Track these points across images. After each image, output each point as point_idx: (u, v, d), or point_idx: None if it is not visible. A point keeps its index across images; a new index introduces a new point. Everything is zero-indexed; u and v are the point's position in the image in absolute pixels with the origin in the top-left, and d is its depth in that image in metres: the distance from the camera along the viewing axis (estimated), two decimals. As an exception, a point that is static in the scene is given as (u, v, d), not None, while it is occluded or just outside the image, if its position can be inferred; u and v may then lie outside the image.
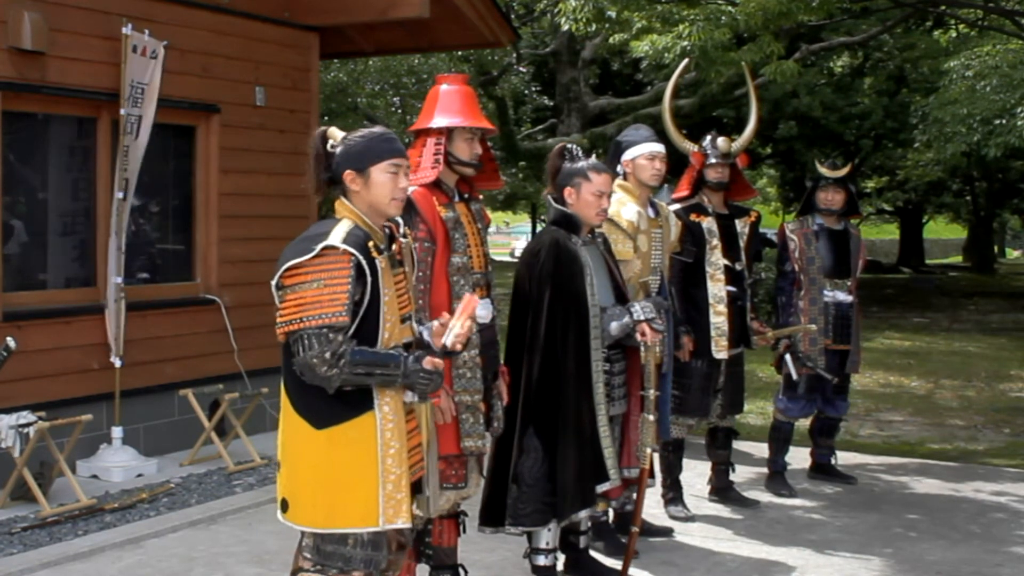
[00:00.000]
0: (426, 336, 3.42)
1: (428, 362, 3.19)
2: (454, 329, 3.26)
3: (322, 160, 3.31)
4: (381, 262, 3.23)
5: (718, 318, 5.89)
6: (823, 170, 6.53)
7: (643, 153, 5.37)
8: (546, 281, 4.55)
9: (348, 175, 3.27)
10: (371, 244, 3.22)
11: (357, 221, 3.25)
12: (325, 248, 3.14)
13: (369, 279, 3.18)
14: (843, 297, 6.55)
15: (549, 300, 4.54)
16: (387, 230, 3.38)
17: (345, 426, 3.21)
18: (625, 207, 5.29)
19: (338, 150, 3.30)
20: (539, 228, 36.23)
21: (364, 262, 3.16)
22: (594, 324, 4.57)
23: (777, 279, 6.67)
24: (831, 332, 6.49)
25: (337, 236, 3.16)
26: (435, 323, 3.40)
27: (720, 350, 5.89)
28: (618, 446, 4.81)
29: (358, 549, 3.26)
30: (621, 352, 4.86)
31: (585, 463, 4.52)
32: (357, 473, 3.21)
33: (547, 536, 4.68)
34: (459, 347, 3.27)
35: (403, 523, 3.26)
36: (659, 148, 5.39)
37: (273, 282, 3.22)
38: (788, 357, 6.37)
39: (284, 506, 3.30)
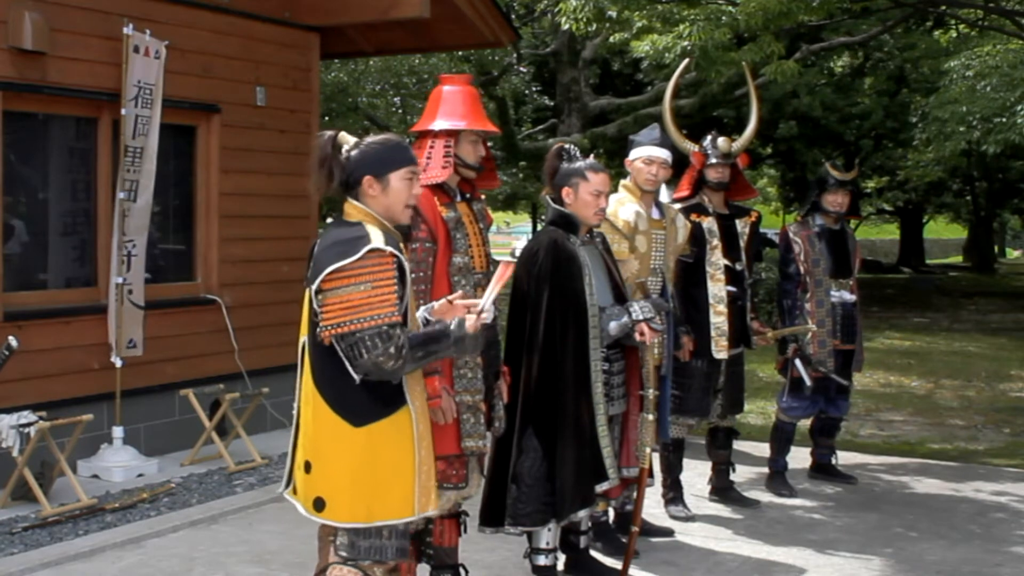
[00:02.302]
0: (424, 314, 3.49)
1: (470, 327, 3.29)
2: (490, 296, 3.38)
3: (332, 164, 3.35)
4: (407, 262, 3.35)
5: (718, 318, 5.89)
6: (834, 173, 6.52)
7: (641, 156, 5.38)
8: (545, 281, 4.55)
9: (367, 180, 3.33)
10: (402, 245, 3.34)
11: (376, 224, 3.31)
12: (371, 251, 3.20)
13: (407, 279, 3.31)
14: (848, 297, 6.58)
15: (548, 300, 4.54)
16: None
17: (384, 423, 3.29)
18: (624, 207, 5.29)
19: (353, 155, 3.35)
20: (539, 228, 36.21)
21: (405, 262, 3.28)
22: (593, 324, 4.58)
23: (781, 282, 6.65)
24: (839, 333, 6.50)
25: (379, 239, 3.24)
26: (434, 304, 3.49)
27: (720, 350, 5.89)
28: (617, 446, 4.81)
29: (393, 540, 3.35)
30: (620, 352, 4.86)
31: (584, 463, 4.53)
32: (396, 467, 3.30)
33: (547, 536, 4.68)
34: (489, 317, 3.37)
35: (433, 511, 3.39)
36: (659, 153, 5.39)
37: (313, 287, 3.27)
38: (799, 362, 6.36)
39: (319, 505, 3.33)
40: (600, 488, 4.63)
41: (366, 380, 3.25)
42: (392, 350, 3.16)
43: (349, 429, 3.28)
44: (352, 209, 3.36)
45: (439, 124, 4.24)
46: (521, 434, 4.53)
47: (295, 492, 3.46)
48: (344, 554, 3.34)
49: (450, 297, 3.45)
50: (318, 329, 3.26)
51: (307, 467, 3.37)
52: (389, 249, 3.22)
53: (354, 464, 3.28)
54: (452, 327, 3.27)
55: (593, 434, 4.56)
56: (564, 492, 4.50)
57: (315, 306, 3.28)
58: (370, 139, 3.39)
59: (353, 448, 3.28)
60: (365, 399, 3.27)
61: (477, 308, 3.36)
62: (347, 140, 3.38)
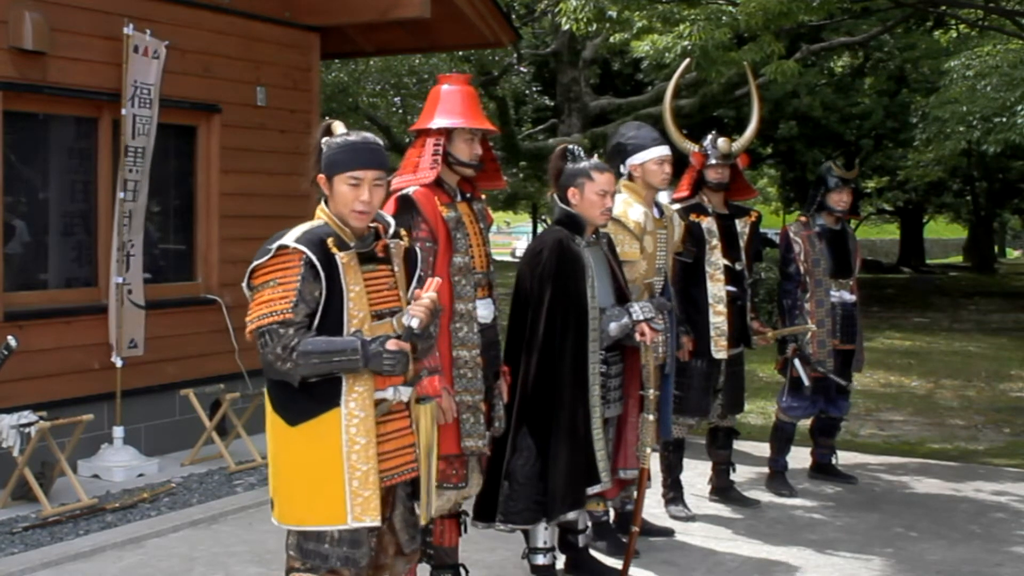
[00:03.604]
0: (405, 321, 3.43)
1: (392, 344, 3.17)
2: (412, 307, 3.27)
3: (316, 155, 3.35)
4: (343, 258, 3.24)
5: (718, 318, 5.90)
6: (839, 172, 6.52)
7: (653, 158, 5.35)
8: (547, 281, 4.55)
9: (320, 179, 3.32)
10: (330, 241, 3.24)
11: (328, 221, 3.29)
12: (279, 248, 3.19)
13: (323, 275, 3.20)
14: (848, 297, 6.58)
15: (549, 300, 4.54)
16: (372, 228, 3.38)
17: (314, 422, 3.23)
18: (632, 208, 5.28)
19: (323, 151, 3.32)
20: (539, 228, 36.21)
21: (315, 259, 3.18)
22: (593, 327, 4.57)
23: (782, 282, 6.64)
24: (838, 333, 6.50)
25: (291, 236, 3.22)
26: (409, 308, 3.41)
27: (720, 350, 5.89)
28: (611, 448, 4.81)
29: (335, 547, 3.27)
30: (618, 354, 4.86)
31: (577, 464, 4.53)
32: (325, 470, 3.22)
33: (544, 535, 4.68)
34: (415, 323, 3.22)
35: (371, 521, 3.24)
36: (668, 151, 5.41)
37: (244, 285, 3.28)
38: (798, 362, 6.36)
39: (272, 505, 3.35)
40: (592, 491, 4.63)
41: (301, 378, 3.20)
42: (279, 349, 3.12)
43: (286, 428, 3.25)
44: (317, 207, 3.35)
45: (435, 122, 4.25)
46: (516, 432, 4.53)
47: None
48: (292, 554, 3.32)
49: (419, 291, 3.34)
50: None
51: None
52: (294, 246, 3.18)
53: (289, 464, 3.25)
54: (369, 343, 3.15)
55: (587, 436, 4.55)
56: (555, 492, 4.50)
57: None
58: (338, 137, 3.32)
59: (288, 448, 3.25)
60: (299, 398, 3.22)
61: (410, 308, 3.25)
62: (336, 131, 3.35)
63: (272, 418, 3.29)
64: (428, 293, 3.29)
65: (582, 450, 4.54)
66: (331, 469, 3.21)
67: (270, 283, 3.18)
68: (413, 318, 3.23)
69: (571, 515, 4.63)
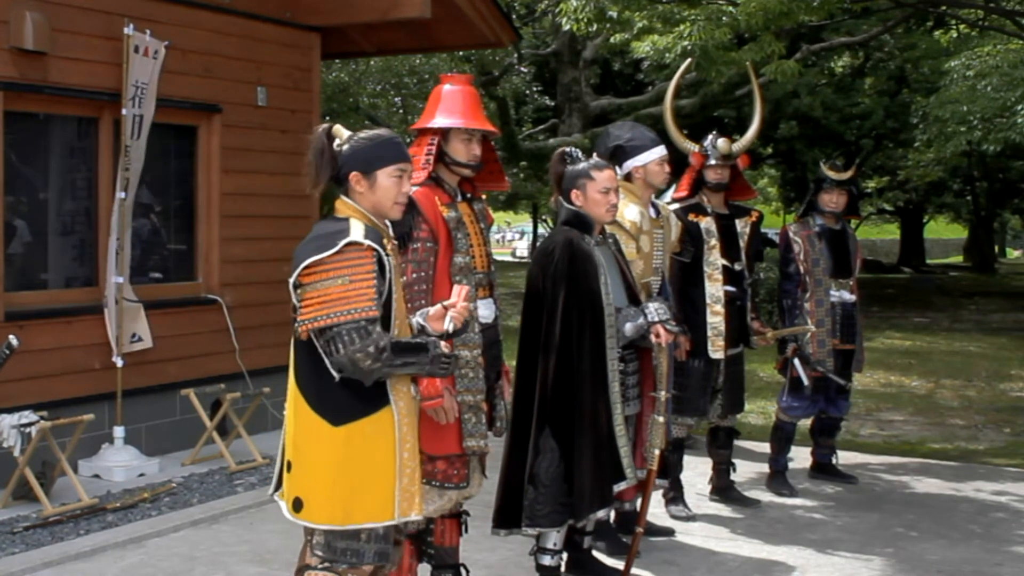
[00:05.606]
0: (420, 320, 3.46)
1: (445, 346, 3.25)
2: (451, 311, 3.34)
3: (327, 157, 3.33)
4: (393, 259, 3.30)
5: (715, 318, 5.90)
6: (829, 173, 6.52)
7: (655, 159, 5.37)
8: (561, 280, 4.55)
9: (354, 176, 3.31)
10: (384, 241, 3.28)
11: (364, 220, 3.29)
12: (348, 244, 3.18)
13: (388, 275, 3.24)
14: (848, 297, 6.58)
15: (564, 300, 4.53)
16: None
17: (363, 422, 3.24)
18: (628, 208, 5.29)
19: (344, 149, 3.33)
20: (539, 228, 36.21)
21: (385, 257, 3.22)
22: (609, 324, 4.57)
23: (781, 282, 6.65)
24: (838, 332, 6.51)
25: (358, 232, 3.21)
26: (431, 309, 3.45)
27: (716, 350, 5.90)
28: (632, 446, 4.81)
29: (371, 543, 3.29)
30: (635, 352, 4.86)
31: (602, 463, 4.51)
32: (376, 468, 3.25)
33: (555, 537, 4.67)
34: (451, 327, 3.34)
35: (416, 515, 3.32)
36: (665, 151, 5.42)
37: (291, 280, 3.24)
38: (797, 361, 6.37)
39: (297, 505, 3.30)
40: (618, 488, 4.63)
41: (346, 378, 3.20)
42: (372, 348, 3.11)
43: (328, 428, 3.24)
44: (341, 205, 3.34)
45: (433, 122, 4.25)
46: (538, 435, 4.52)
47: (284, 494, 3.41)
48: (320, 554, 3.30)
49: (446, 303, 3.40)
50: (295, 324, 3.22)
51: (288, 466, 3.35)
52: (367, 243, 3.18)
53: (332, 464, 3.24)
54: (432, 344, 3.23)
55: (611, 434, 4.54)
56: (582, 492, 4.49)
57: (294, 301, 3.24)
58: (361, 134, 3.36)
59: (332, 447, 3.24)
60: (345, 397, 3.22)
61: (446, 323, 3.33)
62: (341, 134, 3.36)
63: (310, 419, 3.27)
64: (463, 302, 3.36)
65: (606, 448, 4.52)
66: (383, 467, 3.25)
67: (339, 279, 3.14)
68: (451, 322, 3.32)
69: (600, 513, 4.62)
